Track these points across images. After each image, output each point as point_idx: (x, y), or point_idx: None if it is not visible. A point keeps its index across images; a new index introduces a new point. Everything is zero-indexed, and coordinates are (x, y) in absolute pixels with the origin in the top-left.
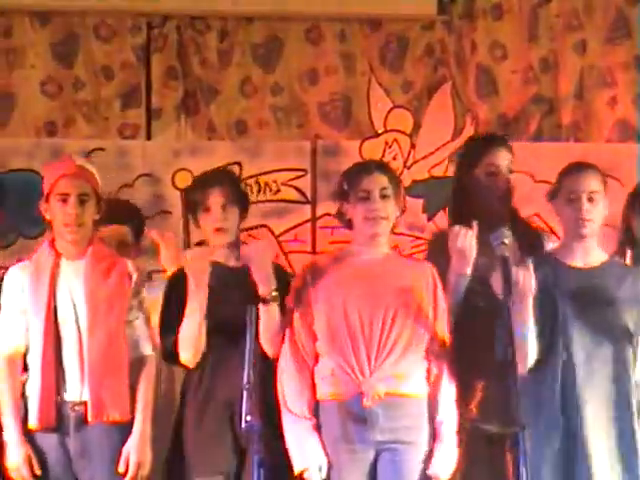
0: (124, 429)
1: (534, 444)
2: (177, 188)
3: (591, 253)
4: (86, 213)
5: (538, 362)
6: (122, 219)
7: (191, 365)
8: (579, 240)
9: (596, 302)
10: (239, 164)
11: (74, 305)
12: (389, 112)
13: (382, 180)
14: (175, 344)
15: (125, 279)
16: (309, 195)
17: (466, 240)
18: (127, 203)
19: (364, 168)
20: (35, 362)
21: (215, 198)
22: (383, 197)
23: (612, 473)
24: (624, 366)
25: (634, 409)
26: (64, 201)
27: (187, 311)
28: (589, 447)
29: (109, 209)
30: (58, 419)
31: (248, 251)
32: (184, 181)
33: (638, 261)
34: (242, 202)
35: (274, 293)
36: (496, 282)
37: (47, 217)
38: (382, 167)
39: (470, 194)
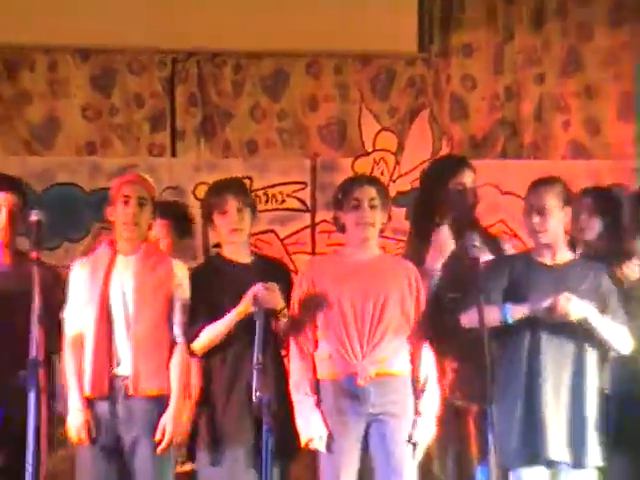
0: (163, 400)
1: (499, 412)
2: (198, 199)
3: (558, 254)
4: (143, 215)
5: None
6: (164, 213)
7: (198, 354)
8: (543, 247)
9: (560, 293)
10: (250, 178)
11: (124, 294)
12: (377, 134)
13: (371, 192)
14: (194, 336)
15: (170, 275)
16: (309, 205)
17: (446, 235)
18: (174, 202)
19: (356, 181)
20: (89, 342)
21: (232, 202)
22: (372, 207)
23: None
24: (583, 351)
25: (588, 387)
26: (126, 203)
27: (229, 315)
28: (546, 417)
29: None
30: (110, 389)
31: (262, 301)
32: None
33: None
34: (252, 207)
35: (284, 311)
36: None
37: (111, 219)
38: (372, 181)
39: (440, 205)
